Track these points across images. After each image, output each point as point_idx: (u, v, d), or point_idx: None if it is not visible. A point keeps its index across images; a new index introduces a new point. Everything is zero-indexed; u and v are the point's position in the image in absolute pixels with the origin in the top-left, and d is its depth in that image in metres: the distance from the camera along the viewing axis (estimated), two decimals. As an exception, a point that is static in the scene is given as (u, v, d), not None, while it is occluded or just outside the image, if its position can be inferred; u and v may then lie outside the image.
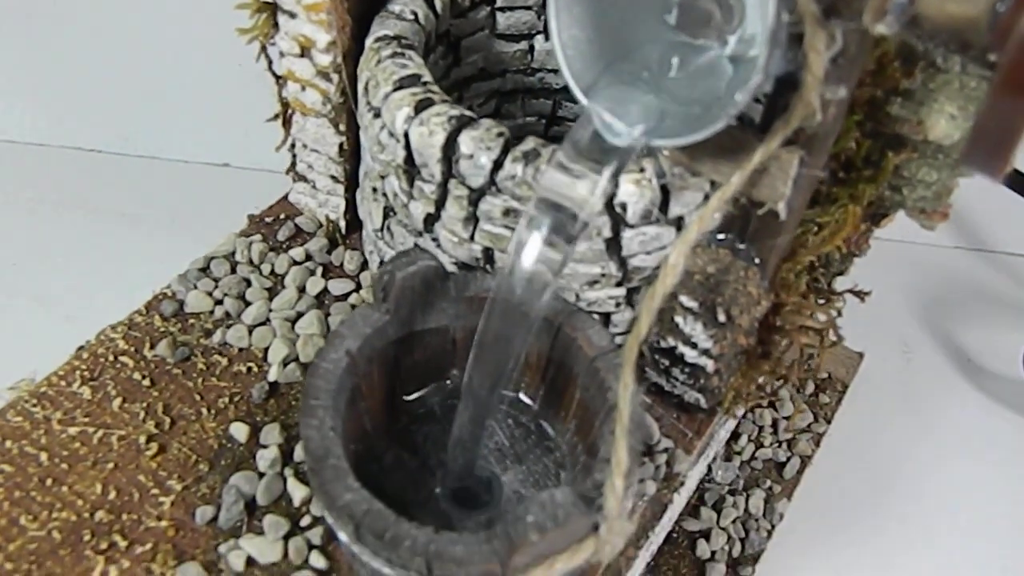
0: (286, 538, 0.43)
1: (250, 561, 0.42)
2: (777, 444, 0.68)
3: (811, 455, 0.68)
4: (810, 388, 0.72)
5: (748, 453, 0.67)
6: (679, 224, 0.43)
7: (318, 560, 0.42)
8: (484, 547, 0.34)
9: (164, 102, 0.89)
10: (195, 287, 0.53)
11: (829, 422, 0.71)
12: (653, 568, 0.61)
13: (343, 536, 0.37)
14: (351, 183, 0.55)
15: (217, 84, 0.87)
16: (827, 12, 0.33)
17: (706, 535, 0.62)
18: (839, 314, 0.52)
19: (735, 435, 0.67)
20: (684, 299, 0.44)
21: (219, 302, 0.53)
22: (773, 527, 0.64)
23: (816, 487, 0.67)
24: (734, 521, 0.64)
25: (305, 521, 0.44)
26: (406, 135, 0.43)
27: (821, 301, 0.51)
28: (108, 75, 0.88)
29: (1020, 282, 0.87)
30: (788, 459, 0.67)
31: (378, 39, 0.47)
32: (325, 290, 0.54)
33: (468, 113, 0.42)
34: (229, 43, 0.79)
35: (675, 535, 0.62)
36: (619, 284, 0.45)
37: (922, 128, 0.41)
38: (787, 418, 0.70)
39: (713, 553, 0.62)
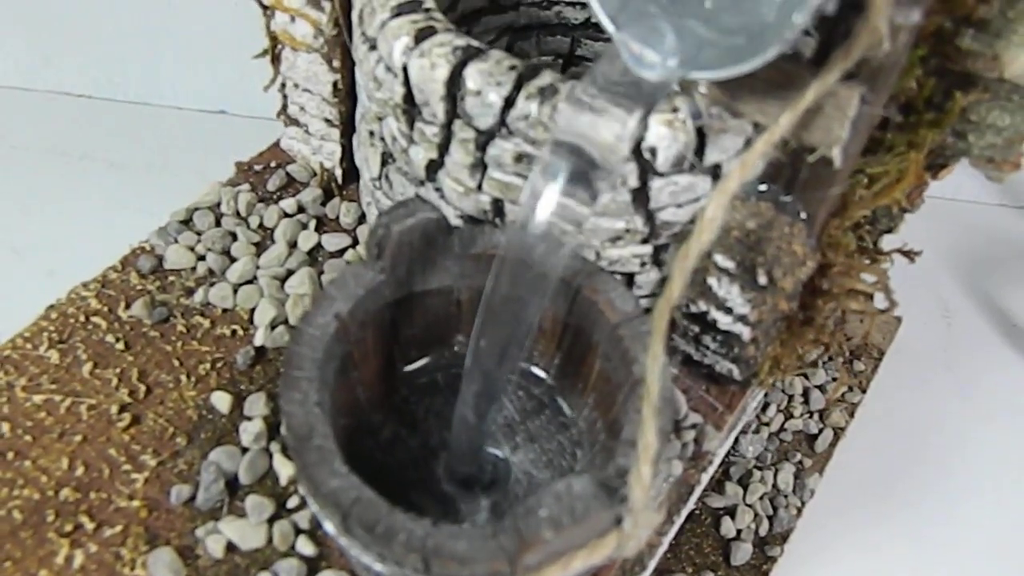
0: (271, 521, 0.39)
1: (230, 546, 0.39)
2: (808, 415, 0.64)
3: (844, 427, 0.65)
4: (844, 355, 0.67)
5: (777, 424, 0.63)
6: (716, 173, 0.38)
7: (306, 546, 0.38)
8: (490, 543, 0.30)
9: (157, 45, 0.85)
10: (175, 241, 0.49)
11: (864, 391, 0.66)
12: (674, 547, 0.57)
13: (329, 527, 0.32)
14: (347, 127, 0.50)
15: (214, 26, 0.83)
16: (904, -83, 0.28)
17: (731, 512, 0.59)
18: (887, 278, 0.47)
19: (763, 405, 0.63)
20: (719, 258, 0.39)
21: (201, 258, 0.49)
22: (803, 504, 0.61)
23: (850, 461, 0.64)
24: (761, 497, 0.60)
25: (292, 502, 0.40)
26: (405, 69, 0.38)
27: (867, 261, 0.46)
28: (98, 16, 0.84)
29: (1070, 243, 0.82)
30: (820, 431, 0.64)
31: (375, -39, 0.41)
32: (318, 245, 0.50)
33: (475, 43, 0.37)
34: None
35: (698, 512, 0.59)
36: (645, 241, 0.40)
37: (997, 64, 0.37)
38: (820, 386, 0.65)
39: (739, 532, 0.58)
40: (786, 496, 0.60)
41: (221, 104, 0.88)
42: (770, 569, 0.57)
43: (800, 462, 0.62)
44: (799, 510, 0.60)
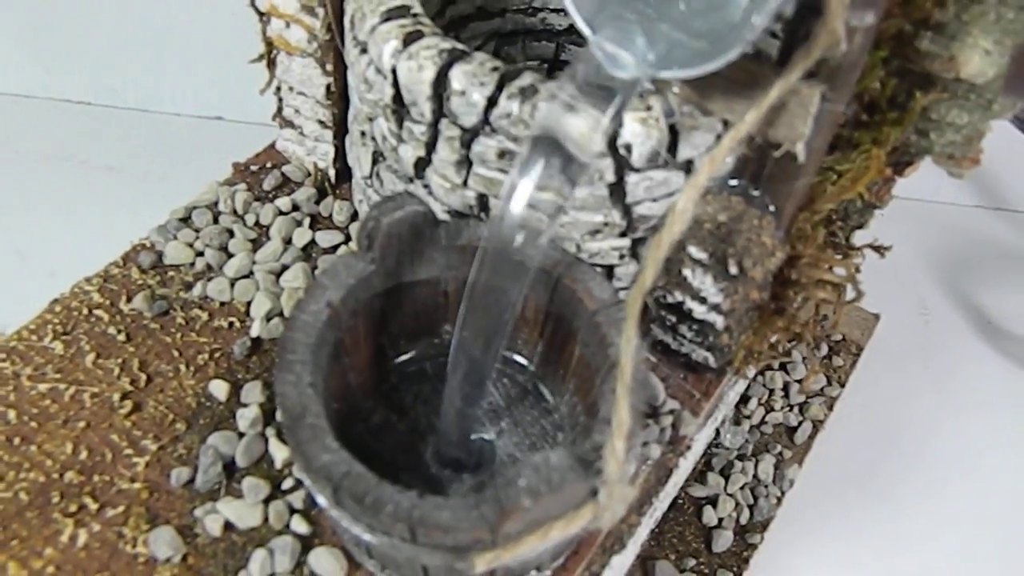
0: (266, 502, 0.41)
1: (228, 525, 0.40)
2: (788, 408, 0.67)
3: (823, 420, 0.67)
4: (824, 350, 0.69)
5: (758, 417, 0.65)
6: (688, 168, 0.40)
7: (300, 525, 0.40)
8: (472, 513, 0.32)
9: (156, 53, 0.87)
10: (175, 238, 0.50)
11: (843, 385, 0.68)
12: (657, 535, 0.59)
13: (321, 500, 0.34)
14: (340, 128, 0.52)
15: (211, 35, 0.85)
16: (855, -75, 0.30)
17: (713, 502, 0.61)
18: (858, 270, 0.49)
19: (744, 398, 0.65)
20: (693, 250, 0.41)
21: (200, 254, 0.50)
22: (783, 494, 0.63)
23: (828, 453, 0.66)
24: (742, 487, 0.62)
25: (287, 484, 0.42)
26: (394, 71, 0.40)
27: (839, 256, 0.48)
28: (98, 25, 0.86)
29: (1044, 242, 0.84)
30: (799, 423, 0.66)
31: (365, -31, 0.43)
32: (312, 242, 0.52)
33: (460, 46, 0.39)
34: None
35: (681, 501, 0.60)
36: (623, 234, 0.42)
37: (954, 65, 0.38)
38: (799, 381, 0.67)
39: (720, 520, 0.60)
40: (766, 486, 0.62)
41: (218, 110, 0.90)
42: (750, 556, 0.59)
43: (780, 453, 0.64)
44: (779, 499, 0.62)
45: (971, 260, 0.82)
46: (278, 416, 0.44)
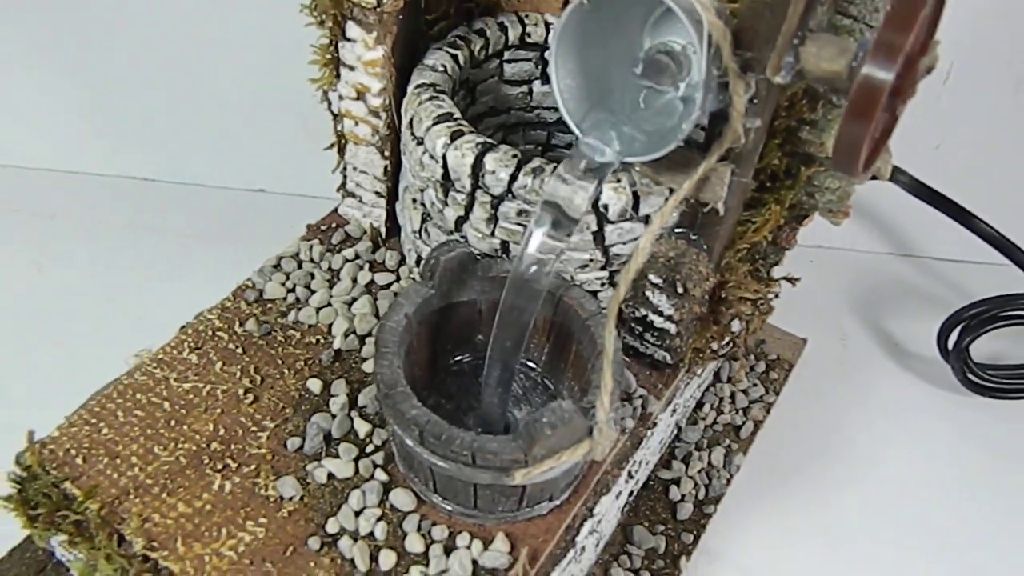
0: (356, 459, 0.56)
1: (330, 476, 0.55)
2: (735, 411, 0.82)
3: (763, 420, 0.82)
4: (762, 367, 0.86)
5: (711, 419, 0.81)
6: (647, 220, 0.57)
7: (381, 475, 0.56)
8: (512, 443, 0.48)
9: (208, 136, 1.02)
10: (270, 279, 0.67)
11: (778, 394, 0.84)
12: (634, 508, 0.74)
13: (409, 441, 0.50)
14: (391, 197, 0.69)
15: (256, 119, 0.99)
16: (744, 68, 0.47)
17: (676, 482, 0.76)
18: (776, 296, 0.66)
19: (699, 405, 0.81)
20: (652, 277, 0.58)
21: (291, 290, 0.65)
22: (731, 476, 0.78)
23: (767, 446, 0.81)
24: (699, 471, 0.77)
25: (369, 448, 0.57)
26: (444, 157, 0.57)
27: (762, 285, 0.65)
28: (159, 111, 1.01)
29: (937, 280, 1.01)
30: (744, 423, 0.81)
31: (418, 86, 0.61)
32: (372, 281, 0.67)
33: (490, 141, 0.57)
34: (267, 85, 0.93)
35: (651, 483, 0.76)
36: (603, 268, 0.59)
37: (824, 148, 0.54)
38: (744, 391, 0.84)
39: (683, 496, 0.75)
40: (718, 470, 0.77)
41: (261, 184, 1.05)
42: (706, 523, 0.74)
43: (729, 446, 0.79)
44: (728, 480, 0.77)
45: (882, 296, 0.97)
46: (360, 402, 0.60)
